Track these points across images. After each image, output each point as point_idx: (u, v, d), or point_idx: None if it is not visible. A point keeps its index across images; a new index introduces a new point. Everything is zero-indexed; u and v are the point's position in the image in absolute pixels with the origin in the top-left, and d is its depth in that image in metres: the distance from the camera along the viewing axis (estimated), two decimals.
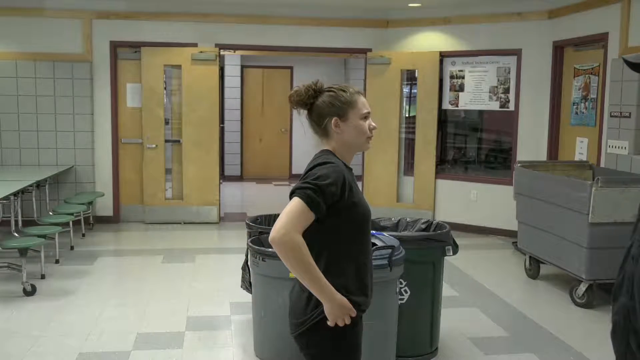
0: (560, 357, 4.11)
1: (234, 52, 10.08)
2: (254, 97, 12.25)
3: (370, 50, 8.06)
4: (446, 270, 4.27)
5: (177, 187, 8.08)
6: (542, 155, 7.08)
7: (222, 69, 10.87)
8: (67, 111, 7.57)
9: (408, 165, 8.20)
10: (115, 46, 7.70)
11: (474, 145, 8.55)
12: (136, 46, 7.74)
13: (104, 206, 7.84)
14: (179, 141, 8.00)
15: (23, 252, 5.11)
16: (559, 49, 6.91)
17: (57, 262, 6.02)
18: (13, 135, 7.51)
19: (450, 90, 7.84)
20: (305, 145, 10.50)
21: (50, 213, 6.75)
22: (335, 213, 2.10)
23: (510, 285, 5.72)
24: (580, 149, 6.55)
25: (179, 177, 8.04)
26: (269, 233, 2.06)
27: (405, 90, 8.22)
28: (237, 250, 5.73)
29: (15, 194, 5.98)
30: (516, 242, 6.15)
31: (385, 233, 3.70)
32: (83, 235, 7.14)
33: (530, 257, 5.83)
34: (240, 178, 12.20)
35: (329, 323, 2.10)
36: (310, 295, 2.13)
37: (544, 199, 5.40)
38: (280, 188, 11.17)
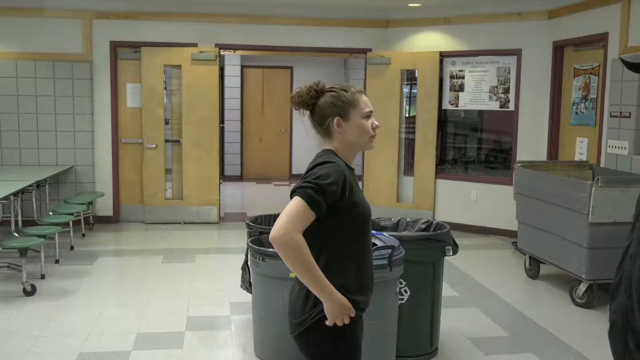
0: (560, 357, 4.11)
1: (234, 52, 10.09)
2: (254, 97, 12.25)
3: (370, 50, 8.06)
4: (446, 270, 4.27)
5: (177, 187, 8.08)
6: (542, 155, 7.08)
7: (222, 69, 10.87)
8: (67, 111, 7.58)
9: (408, 165, 8.20)
10: (115, 46, 7.70)
11: (474, 145, 8.55)
12: (136, 46, 7.74)
13: (104, 206, 7.84)
14: (179, 141, 8.00)
15: (23, 252, 5.11)
16: (559, 49, 6.91)
17: (57, 262, 6.02)
18: (13, 135, 7.51)
19: (450, 90, 7.84)
20: (305, 145, 10.52)
21: (50, 213, 6.75)
22: (336, 212, 2.11)
23: (510, 285, 5.72)
24: (580, 149, 6.55)
25: (179, 177, 8.04)
26: (269, 233, 2.06)
27: (405, 90, 8.22)
28: (237, 250, 5.73)
29: (15, 194, 5.98)
30: (516, 242, 6.15)
31: (385, 233, 3.69)
32: (83, 235, 7.14)
33: (530, 257, 5.83)
34: (240, 178, 12.20)
35: (327, 323, 2.10)
36: (309, 294, 2.13)
37: (544, 199, 5.40)
38: (281, 188, 11.17)
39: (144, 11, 7.64)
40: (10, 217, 6.43)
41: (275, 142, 12.37)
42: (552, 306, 5.14)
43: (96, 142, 7.74)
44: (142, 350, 4.08)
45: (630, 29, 5.65)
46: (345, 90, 2.24)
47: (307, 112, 2.27)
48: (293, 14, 7.87)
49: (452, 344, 4.27)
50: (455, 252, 4.00)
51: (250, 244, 3.95)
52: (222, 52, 8.46)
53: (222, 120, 10.85)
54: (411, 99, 8.29)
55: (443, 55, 7.78)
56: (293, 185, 2.15)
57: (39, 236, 5.42)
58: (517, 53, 7.29)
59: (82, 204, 7.02)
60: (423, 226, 4.25)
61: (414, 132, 8.02)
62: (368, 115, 2.25)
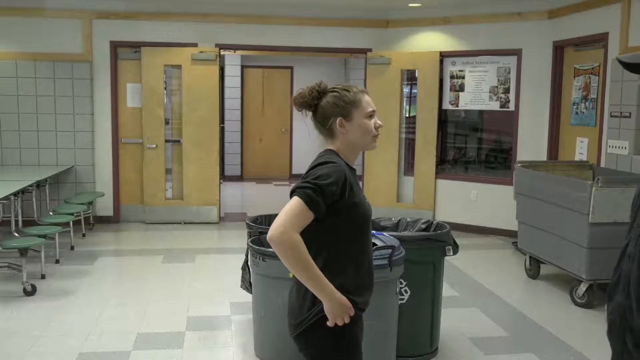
0: (560, 357, 4.11)
1: (234, 52, 10.09)
2: (254, 97, 12.25)
3: (370, 50, 8.06)
4: (446, 270, 4.27)
5: (177, 187, 8.08)
6: (542, 155, 7.08)
7: (222, 69, 10.86)
8: (67, 111, 7.58)
9: (408, 165, 8.20)
10: (115, 46, 7.70)
11: (474, 145, 8.55)
12: (136, 46, 7.74)
13: (104, 206, 7.84)
14: (179, 141, 8.00)
15: (23, 252, 5.11)
16: (559, 49, 6.91)
17: (57, 262, 6.02)
18: (13, 135, 7.51)
19: (451, 90, 7.84)
20: (305, 145, 10.53)
21: (51, 213, 6.75)
22: (335, 212, 2.10)
23: (510, 285, 5.72)
24: (581, 149, 6.55)
25: (179, 177, 8.04)
26: None
27: (406, 90, 8.22)
28: (237, 250, 5.74)
29: (15, 194, 5.98)
30: (516, 242, 6.15)
31: (385, 233, 3.70)
32: (83, 235, 7.14)
33: (530, 257, 5.83)
34: (240, 178, 12.20)
35: (328, 323, 2.10)
36: (307, 295, 2.13)
37: (544, 199, 5.40)
38: (281, 188, 11.17)
39: (144, 11, 7.64)
40: (10, 217, 6.44)
41: (275, 142, 12.37)
42: (552, 306, 5.14)
43: (96, 142, 7.74)
44: (142, 350, 4.08)
45: (630, 29, 5.65)
46: (347, 91, 2.24)
47: (310, 113, 2.27)
48: (293, 14, 7.87)
49: (452, 344, 4.27)
50: (455, 252, 4.00)
51: (250, 244, 3.95)
52: (222, 52, 8.46)
53: (222, 120, 10.84)
54: (411, 99, 8.29)
55: (443, 55, 7.78)
56: (293, 185, 2.15)
57: (39, 236, 5.43)
58: (517, 53, 7.29)
59: (82, 204, 7.02)
60: (423, 226, 4.25)
61: (414, 132, 8.02)
62: (371, 115, 2.24)
